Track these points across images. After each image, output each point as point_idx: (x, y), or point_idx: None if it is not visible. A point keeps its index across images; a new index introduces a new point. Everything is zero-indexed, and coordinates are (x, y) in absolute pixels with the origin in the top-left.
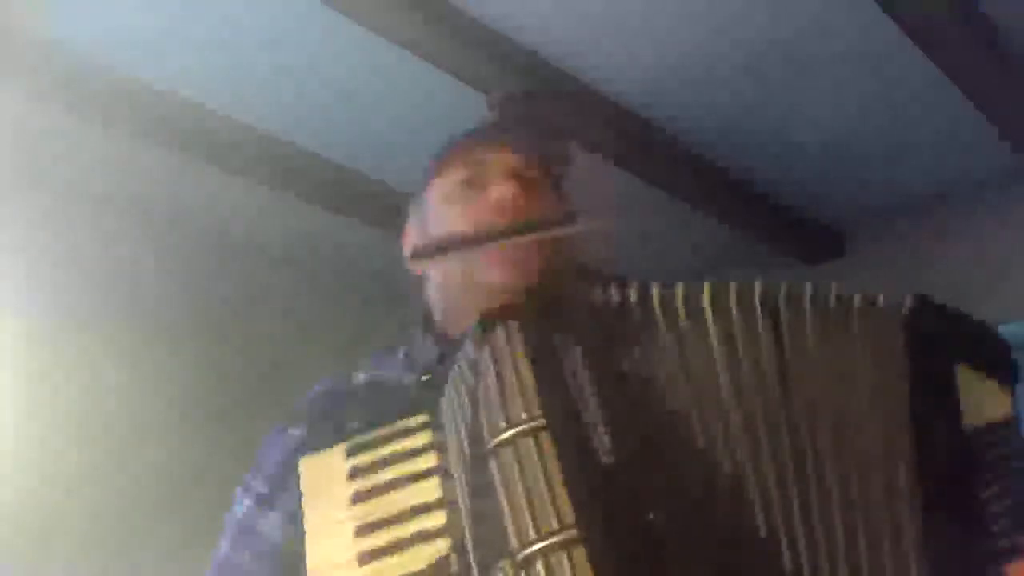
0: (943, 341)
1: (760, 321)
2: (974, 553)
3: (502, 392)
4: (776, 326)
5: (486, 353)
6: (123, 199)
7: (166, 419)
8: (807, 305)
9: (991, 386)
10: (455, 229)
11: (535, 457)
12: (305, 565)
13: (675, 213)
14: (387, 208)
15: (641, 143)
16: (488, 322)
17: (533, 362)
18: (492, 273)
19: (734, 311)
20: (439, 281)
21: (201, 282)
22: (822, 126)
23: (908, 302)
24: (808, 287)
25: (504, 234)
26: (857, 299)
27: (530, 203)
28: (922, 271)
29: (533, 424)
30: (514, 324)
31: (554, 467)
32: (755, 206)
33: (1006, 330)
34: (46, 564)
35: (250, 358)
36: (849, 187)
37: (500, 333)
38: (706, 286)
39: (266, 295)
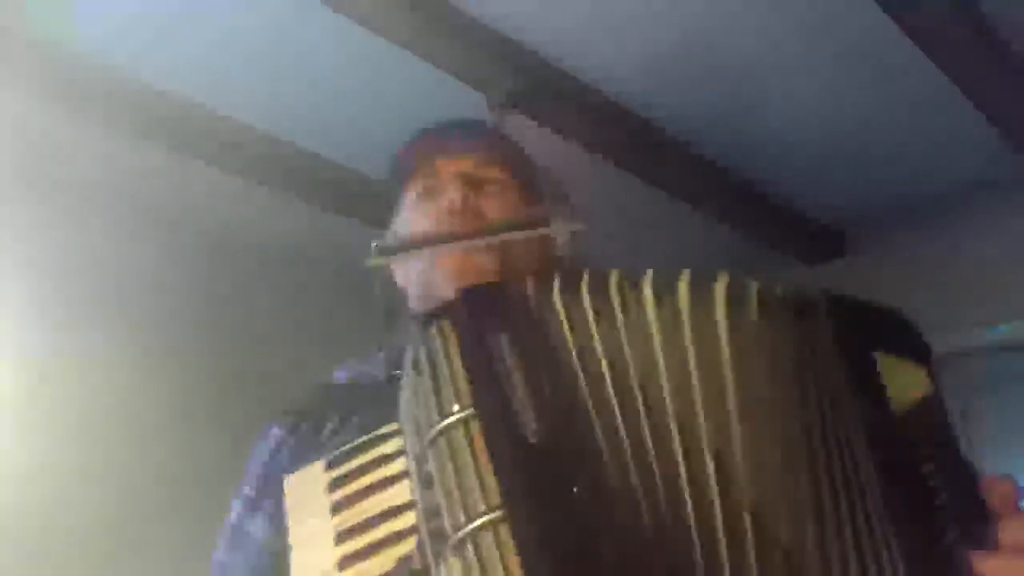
0: (861, 332)
1: (701, 310)
2: (929, 530)
3: (435, 387)
4: (716, 316)
5: (422, 351)
6: (123, 199)
7: (166, 419)
8: (752, 301)
9: (909, 367)
10: (414, 235)
11: (464, 445)
12: (289, 572)
13: (675, 213)
14: (386, 208)
15: (641, 143)
16: (426, 320)
17: (463, 354)
18: (443, 277)
19: (673, 301)
20: (405, 285)
21: (201, 282)
22: (822, 126)
23: (823, 297)
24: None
25: (449, 239)
26: (780, 291)
27: (487, 205)
28: (922, 271)
29: (463, 414)
30: (446, 321)
31: (482, 453)
32: (755, 206)
33: (1007, 329)
34: (46, 564)
35: (249, 358)
36: (849, 187)
37: (433, 329)
38: (649, 273)
39: (266, 295)
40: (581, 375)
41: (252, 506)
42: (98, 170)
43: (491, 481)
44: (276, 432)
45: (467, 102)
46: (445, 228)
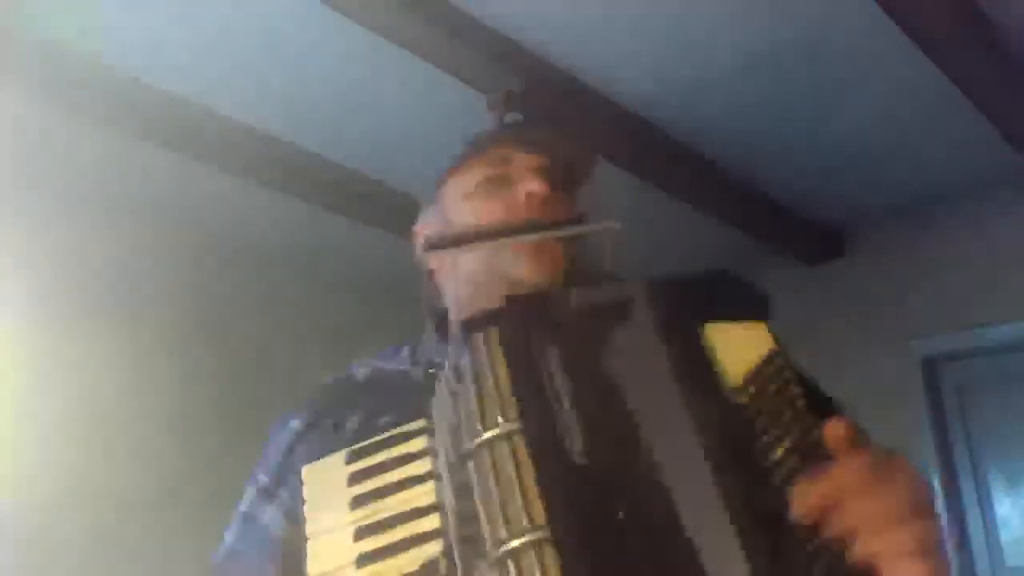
0: (682, 311)
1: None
2: (768, 516)
3: (480, 396)
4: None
5: (466, 358)
6: (123, 199)
7: (166, 418)
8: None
9: (745, 329)
10: (480, 222)
11: (509, 459)
12: (305, 564)
13: (675, 213)
14: (387, 208)
15: (641, 143)
16: (470, 326)
17: (510, 365)
18: (521, 266)
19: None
20: (457, 276)
21: (201, 282)
22: (822, 126)
23: (640, 288)
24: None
25: (536, 228)
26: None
27: (558, 202)
28: (922, 271)
29: (509, 428)
30: (493, 328)
31: (527, 469)
32: (755, 206)
33: (1007, 329)
34: (46, 564)
35: (249, 357)
36: (849, 187)
37: (479, 337)
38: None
39: (266, 295)
40: (628, 397)
41: (266, 495)
42: (98, 170)
43: (536, 500)
44: (295, 424)
45: (467, 102)
46: (525, 216)
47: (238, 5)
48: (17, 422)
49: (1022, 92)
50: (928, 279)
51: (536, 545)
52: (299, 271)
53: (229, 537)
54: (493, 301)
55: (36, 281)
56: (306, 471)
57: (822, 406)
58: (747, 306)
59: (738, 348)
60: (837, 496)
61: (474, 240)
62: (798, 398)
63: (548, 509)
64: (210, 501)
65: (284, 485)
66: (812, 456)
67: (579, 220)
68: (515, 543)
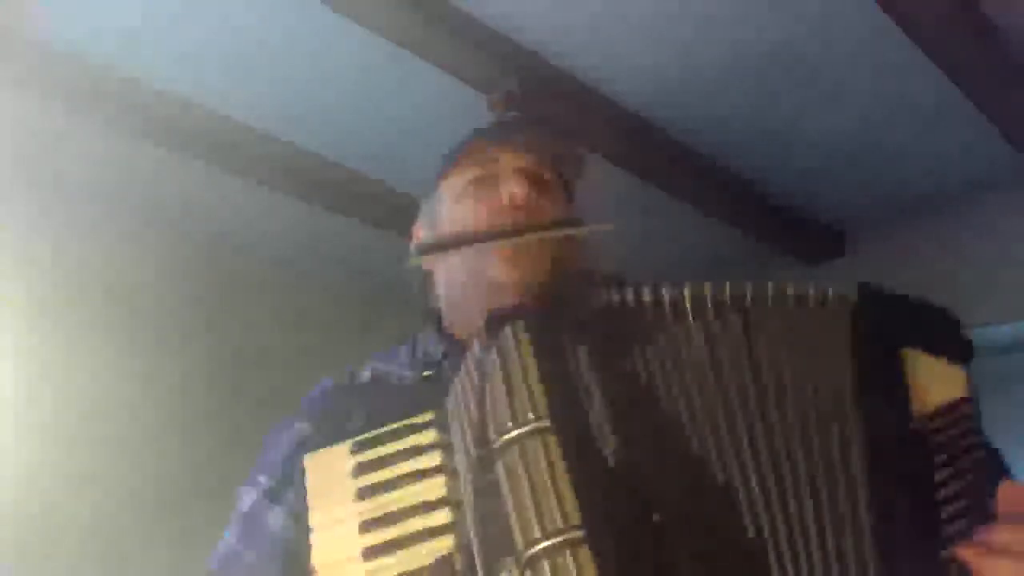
0: (888, 327)
1: (733, 321)
2: (925, 540)
3: (508, 392)
4: (747, 326)
5: (493, 352)
6: (123, 199)
7: (165, 419)
8: (770, 304)
9: (943, 366)
10: (466, 226)
11: (541, 457)
12: (308, 559)
13: (675, 213)
14: (387, 208)
15: (641, 143)
16: (495, 321)
17: (539, 362)
18: (502, 270)
19: (711, 312)
20: (446, 278)
21: (201, 282)
22: (822, 126)
23: (853, 293)
24: (770, 287)
25: (515, 232)
26: (811, 293)
27: (541, 203)
28: (922, 271)
29: (539, 424)
30: (520, 324)
31: (559, 467)
32: (755, 206)
33: (1007, 329)
34: (46, 564)
35: (249, 358)
36: (849, 187)
37: (507, 333)
38: (687, 287)
39: (266, 295)
40: (662, 395)
41: (271, 497)
42: (98, 170)
43: (570, 499)
44: (301, 426)
45: (467, 102)
46: (506, 220)
47: (238, 5)
48: (16, 421)
49: (1022, 92)
50: (928, 279)
51: (571, 545)
52: (299, 271)
53: (229, 539)
54: (478, 303)
55: (36, 281)
56: (308, 460)
57: (998, 473)
58: (951, 346)
59: (934, 381)
60: (992, 558)
61: (456, 244)
62: (978, 449)
63: (582, 509)
64: (210, 501)
65: (290, 486)
66: (978, 509)
67: (565, 221)
68: (548, 543)
